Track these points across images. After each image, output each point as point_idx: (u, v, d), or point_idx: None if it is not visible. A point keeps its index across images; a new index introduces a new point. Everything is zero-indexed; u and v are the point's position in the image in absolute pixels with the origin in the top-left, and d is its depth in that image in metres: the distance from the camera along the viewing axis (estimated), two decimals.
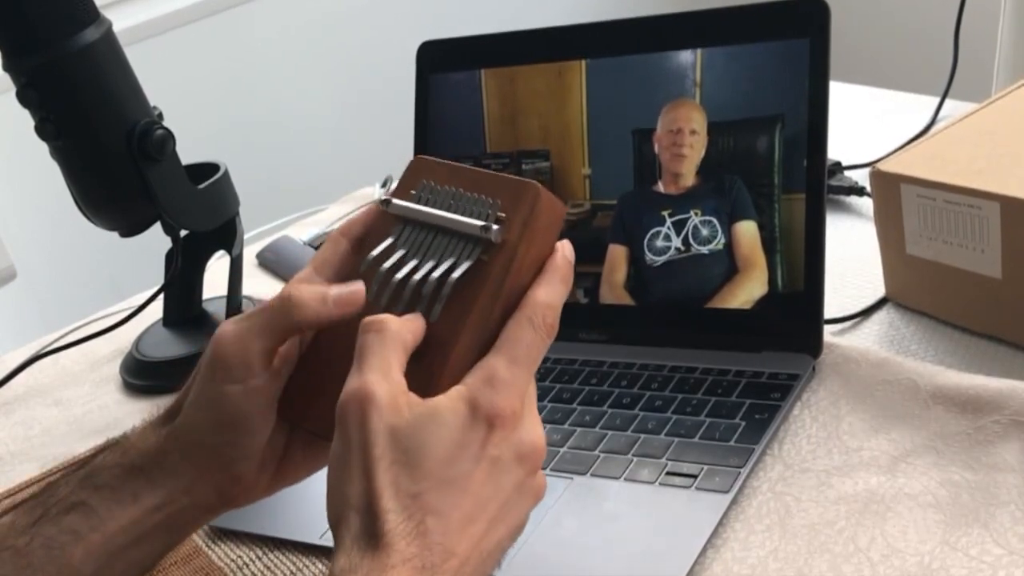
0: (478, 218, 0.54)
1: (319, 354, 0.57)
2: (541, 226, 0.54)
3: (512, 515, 0.52)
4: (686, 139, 0.83)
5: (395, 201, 0.58)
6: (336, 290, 0.55)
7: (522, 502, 0.53)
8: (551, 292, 0.54)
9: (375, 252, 0.57)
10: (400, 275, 0.55)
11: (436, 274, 0.54)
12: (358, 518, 0.48)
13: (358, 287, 0.56)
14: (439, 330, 0.53)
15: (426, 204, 0.57)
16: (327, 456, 0.51)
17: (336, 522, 0.50)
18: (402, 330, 0.52)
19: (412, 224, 0.57)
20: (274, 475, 0.59)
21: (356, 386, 0.50)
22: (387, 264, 0.56)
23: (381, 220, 0.58)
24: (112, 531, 0.56)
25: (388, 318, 0.52)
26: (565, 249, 0.56)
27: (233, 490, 0.58)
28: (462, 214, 0.55)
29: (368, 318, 0.52)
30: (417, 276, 0.55)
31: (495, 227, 0.53)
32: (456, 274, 0.54)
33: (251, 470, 0.57)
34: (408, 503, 0.48)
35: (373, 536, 0.48)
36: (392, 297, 0.55)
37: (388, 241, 0.57)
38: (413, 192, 0.57)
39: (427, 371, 0.52)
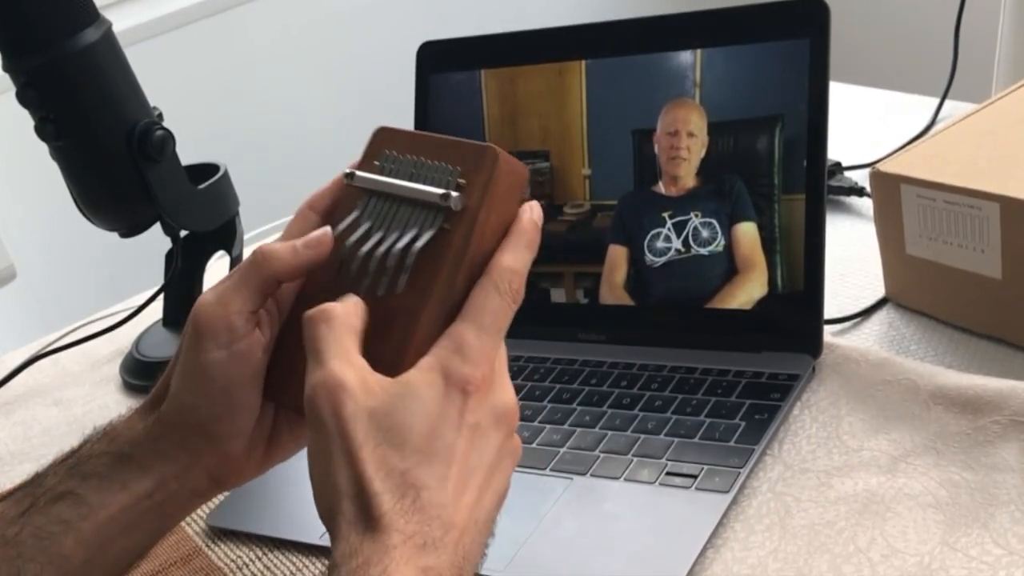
0: (439, 186, 0.54)
1: (293, 331, 0.57)
2: (501, 190, 0.54)
3: (497, 479, 0.52)
4: (683, 142, 0.83)
5: (358, 173, 0.57)
6: (304, 238, 0.56)
7: (504, 465, 0.53)
8: (516, 257, 0.54)
9: (341, 227, 0.56)
10: (365, 249, 0.55)
11: (400, 245, 0.54)
12: (351, 506, 0.48)
13: (324, 231, 0.56)
14: (404, 301, 0.53)
15: (389, 175, 0.56)
16: None
17: (328, 515, 0.49)
18: (348, 314, 0.52)
19: (376, 195, 0.57)
20: (263, 454, 0.59)
21: (322, 376, 0.50)
22: (352, 238, 0.56)
23: (347, 192, 0.58)
24: (102, 520, 0.56)
25: (332, 306, 0.52)
26: (533, 212, 0.55)
27: (224, 471, 0.58)
28: (423, 183, 0.55)
29: (311, 310, 0.52)
30: (381, 249, 0.55)
31: (454, 194, 0.53)
32: (419, 244, 0.54)
33: (241, 449, 0.57)
34: (399, 482, 0.48)
35: (369, 519, 0.47)
36: (359, 270, 0.55)
37: (353, 215, 0.57)
38: (376, 163, 0.57)
39: (394, 343, 0.52)
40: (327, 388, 0.49)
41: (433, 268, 0.53)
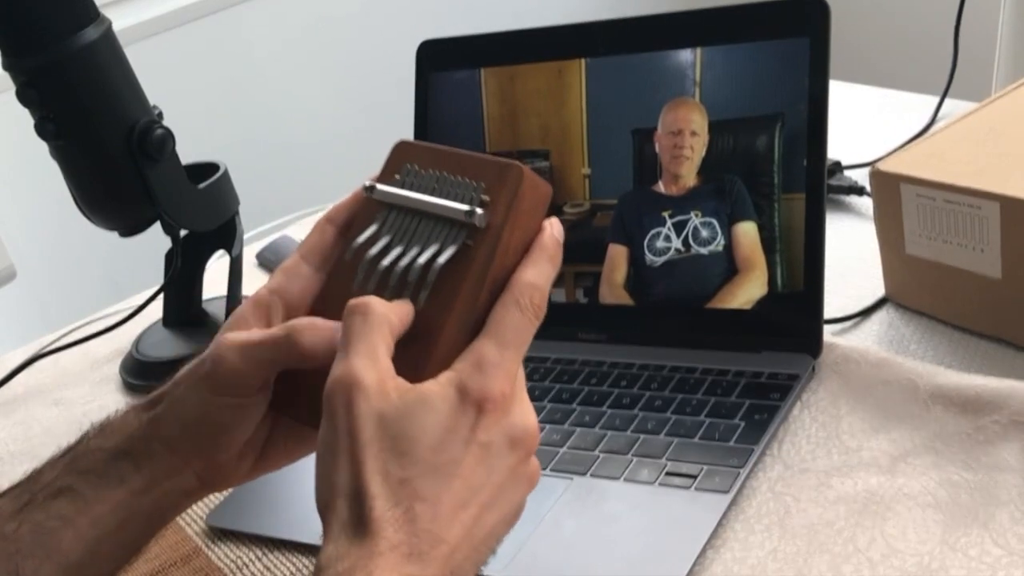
0: (462, 202, 0.54)
1: None
2: (526, 208, 0.54)
3: (505, 501, 0.52)
4: (686, 141, 0.83)
5: (379, 187, 0.57)
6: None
7: (516, 488, 0.52)
8: (538, 273, 0.53)
9: (360, 239, 0.56)
10: (385, 262, 0.55)
11: (421, 260, 0.54)
12: (346, 505, 0.48)
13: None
14: (426, 317, 0.53)
15: (410, 188, 0.56)
16: (310, 444, 0.51)
17: (324, 509, 0.49)
18: (388, 313, 0.51)
19: (397, 209, 0.56)
20: (256, 462, 0.59)
21: (342, 371, 0.50)
22: (372, 252, 0.55)
23: (366, 205, 0.58)
24: (99, 514, 0.56)
25: (373, 300, 0.52)
26: (554, 228, 0.55)
27: (212, 476, 0.58)
28: (446, 198, 0.54)
29: (353, 300, 0.52)
30: (403, 263, 0.54)
31: (479, 211, 0.53)
32: (441, 260, 0.53)
33: (232, 459, 0.57)
34: (396, 489, 0.48)
35: (361, 523, 0.47)
36: (379, 285, 0.55)
37: (373, 228, 0.56)
38: (397, 176, 0.57)
39: (415, 358, 0.52)
40: (344, 384, 0.49)
41: (455, 285, 0.53)
